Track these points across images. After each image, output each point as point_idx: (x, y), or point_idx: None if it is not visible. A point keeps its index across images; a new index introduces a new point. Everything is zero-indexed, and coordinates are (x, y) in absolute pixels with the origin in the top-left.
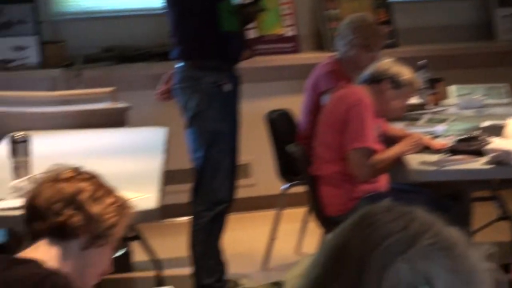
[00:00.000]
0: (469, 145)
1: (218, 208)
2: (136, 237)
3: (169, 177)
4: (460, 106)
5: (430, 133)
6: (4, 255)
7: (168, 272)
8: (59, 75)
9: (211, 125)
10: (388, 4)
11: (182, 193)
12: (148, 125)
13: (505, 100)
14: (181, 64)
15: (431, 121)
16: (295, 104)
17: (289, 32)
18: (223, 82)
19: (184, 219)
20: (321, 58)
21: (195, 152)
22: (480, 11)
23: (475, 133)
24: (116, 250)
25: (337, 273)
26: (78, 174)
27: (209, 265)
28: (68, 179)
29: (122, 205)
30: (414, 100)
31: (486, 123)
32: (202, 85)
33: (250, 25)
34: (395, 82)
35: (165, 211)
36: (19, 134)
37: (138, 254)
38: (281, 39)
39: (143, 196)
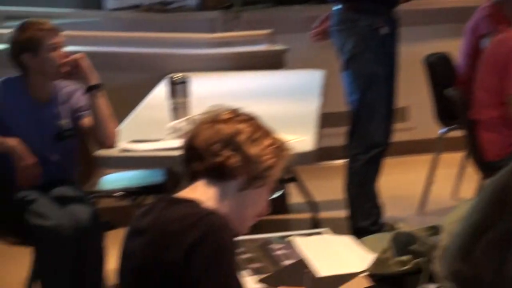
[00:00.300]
0: None
1: (373, 151)
2: (293, 179)
3: (326, 120)
4: None
5: None
6: (163, 195)
7: (324, 214)
8: (217, 17)
9: (366, 68)
10: None
11: (338, 136)
12: (305, 67)
13: None
14: (338, 6)
15: None
16: (454, 48)
17: None
18: (379, 25)
19: (340, 162)
20: (481, 1)
21: (351, 95)
22: None
23: None
24: (273, 191)
25: (496, 218)
26: (236, 115)
27: (365, 208)
28: (226, 120)
29: (279, 147)
30: None
31: None
32: (358, 28)
33: None
34: None
35: (321, 154)
36: (178, 76)
37: (295, 196)
38: None
39: (300, 138)
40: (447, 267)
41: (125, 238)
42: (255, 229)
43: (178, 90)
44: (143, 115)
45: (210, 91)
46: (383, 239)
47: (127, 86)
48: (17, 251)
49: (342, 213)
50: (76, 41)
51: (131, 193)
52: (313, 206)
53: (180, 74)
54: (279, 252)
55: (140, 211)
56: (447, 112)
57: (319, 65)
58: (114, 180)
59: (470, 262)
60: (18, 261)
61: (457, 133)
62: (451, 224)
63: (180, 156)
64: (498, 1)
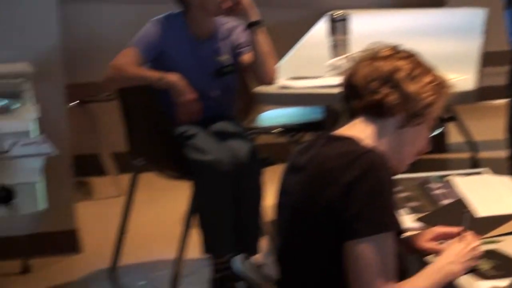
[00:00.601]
0: None
1: None
2: (452, 118)
3: (487, 59)
4: None
5: None
6: (322, 132)
7: (483, 154)
8: None
9: None
10: None
11: (500, 75)
12: (468, 5)
13: None
14: None
15: None
16: None
17: None
18: None
19: (501, 101)
20: None
21: (511, 34)
22: None
23: None
24: (433, 129)
25: None
26: (396, 52)
27: None
28: (385, 58)
29: (440, 84)
30: None
31: None
32: None
33: None
34: None
35: (482, 93)
36: (338, 13)
37: (454, 135)
38: None
39: (461, 77)
40: None
41: (283, 174)
42: (414, 168)
43: (338, 27)
44: (302, 52)
45: (370, 28)
46: None
47: (287, 23)
48: (177, 185)
49: (502, 153)
50: None
51: (289, 129)
52: (472, 145)
53: (340, 11)
54: (437, 191)
55: (299, 148)
56: None
57: (481, 3)
58: (272, 116)
59: None
60: (178, 195)
61: None
62: None
63: (339, 93)
64: None
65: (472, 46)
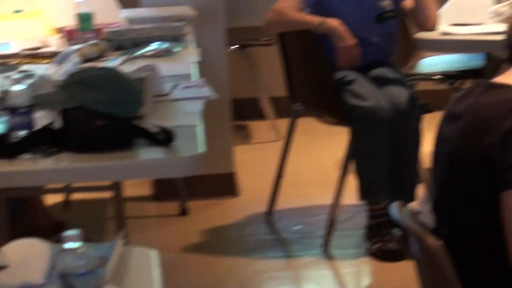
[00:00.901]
0: None
1: None
2: None
3: None
4: None
5: None
6: (482, 80)
7: None
8: None
9: None
10: None
11: None
12: None
13: None
14: None
15: None
16: None
17: None
18: None
19: None
20: None
21: None
22: None
23: None
24: None
25: None
26: None
27: None
28: None
29: None
30: None
31: None
32: None
33: None
34: None
35: None
36: None
37: None
38: None
39: None
40: None
41: (441, 122)
42: None
43: None
44: None
45: None
46: None
47: None
48: (335, 130)
49: None
50: None
51: (449, 76)
52: None
53: None
54: None
55: (457, 95)
56: None
57: None
58: (433, 63)
59: None
60: (336, 140)
61: None
62: None
63: (501, 40)
64: None
65: None
